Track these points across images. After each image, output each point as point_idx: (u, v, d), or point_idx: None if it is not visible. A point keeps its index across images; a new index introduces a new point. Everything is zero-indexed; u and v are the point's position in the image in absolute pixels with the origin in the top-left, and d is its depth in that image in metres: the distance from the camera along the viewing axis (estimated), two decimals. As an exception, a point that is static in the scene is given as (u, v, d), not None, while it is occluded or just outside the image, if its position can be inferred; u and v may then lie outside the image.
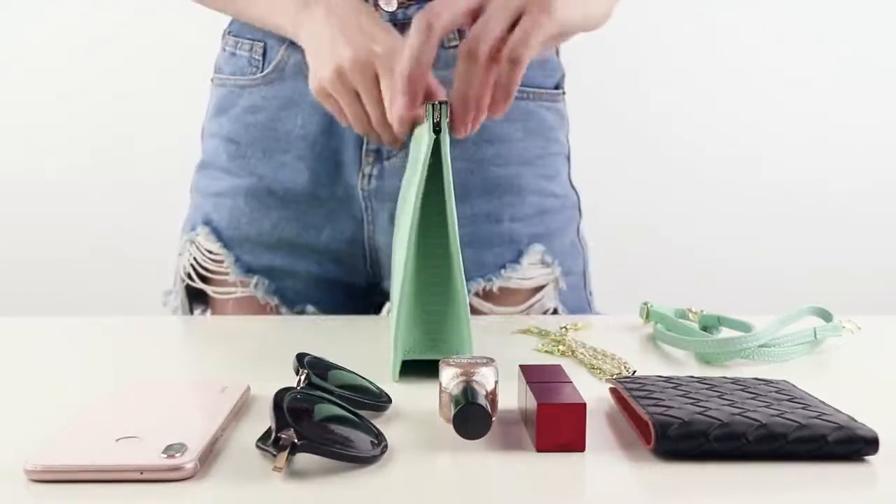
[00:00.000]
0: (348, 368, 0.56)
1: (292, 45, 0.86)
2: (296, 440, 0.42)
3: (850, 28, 2.07)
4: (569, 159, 0.97)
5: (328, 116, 0.86)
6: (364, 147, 0.87)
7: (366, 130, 0.78)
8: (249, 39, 0.90)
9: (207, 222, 0.93)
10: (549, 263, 0.90)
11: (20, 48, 1.96)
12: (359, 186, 0.88)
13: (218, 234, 0.92)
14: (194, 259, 0.93)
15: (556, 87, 0.94)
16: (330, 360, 0.56)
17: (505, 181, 0.89)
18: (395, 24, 0.84)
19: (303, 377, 0.51)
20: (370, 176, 0.88)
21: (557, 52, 0.95)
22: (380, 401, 0.54)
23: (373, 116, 0.76)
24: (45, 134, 1.98)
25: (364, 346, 0.70)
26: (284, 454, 0.42)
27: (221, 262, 0.91)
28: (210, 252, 0.92)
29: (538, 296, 0.89)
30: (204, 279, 0.93)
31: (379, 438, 0.47)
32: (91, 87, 1.95)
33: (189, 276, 0.93)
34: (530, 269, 0.89)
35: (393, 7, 0.84)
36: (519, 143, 0.90)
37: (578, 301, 0.94)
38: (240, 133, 0.91)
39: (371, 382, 0.56)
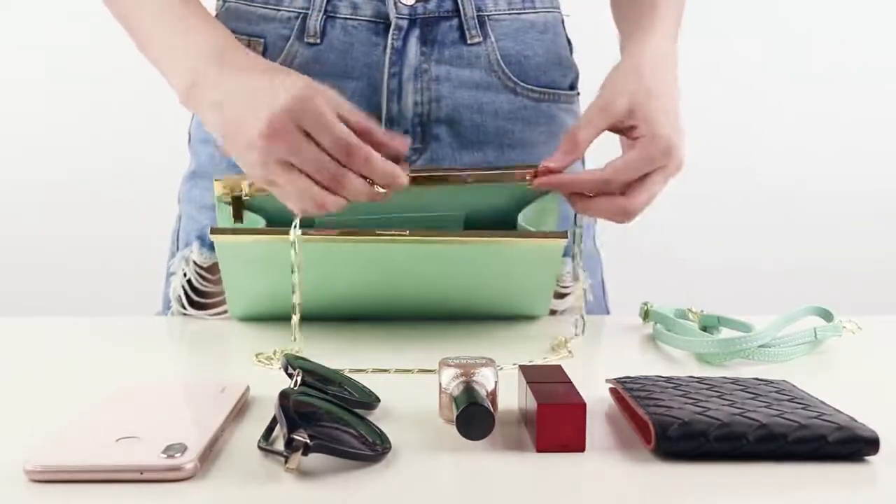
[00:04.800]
0: (331, 368, 0.57)
1: (298, 40, 0.82)
2: (308, 441, 0.42)
3: (850, 28, 2.07)
4: (584, 163, 0.95)
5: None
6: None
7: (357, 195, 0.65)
8: (245, 35, 0.83)
9: (203, 237, 0.86)
10: (581, 275, 0.88)
11: (18, 51, 1.96)
12: None
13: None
14: (188, 282, 0.85)
15: (572, 88, 0.91)
16: (314, 361, 0.56)
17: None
18: (412, 20, 0.81)
19: (298, 378, 0.51)
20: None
21: (571, 52, 0.92)
22: (369, 399, 0.54)
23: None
24: (45, 136, 1.98)
25: (359, 347, 0.70)
26: (298, 455, 0.42)
27: (220, 280, 0.83)
28: (207, 270, 0.85)
29: (565, 305, 0.87)
30: (199, 305, 0.85)
31: (382, 437, 0.47)
32: (89, 89, 1.95)
33: (182, 305, 0.85)
34: (563, 279, 0.86)
35: (412, 0, 0.81)
36: (541, 148, 0.87)
37: (600, 310, 0.93)
38: None
39: (357, 382, 0.56)
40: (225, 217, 0.74)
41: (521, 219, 0.76)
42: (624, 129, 0.73)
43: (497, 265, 0.70)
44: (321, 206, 0.65)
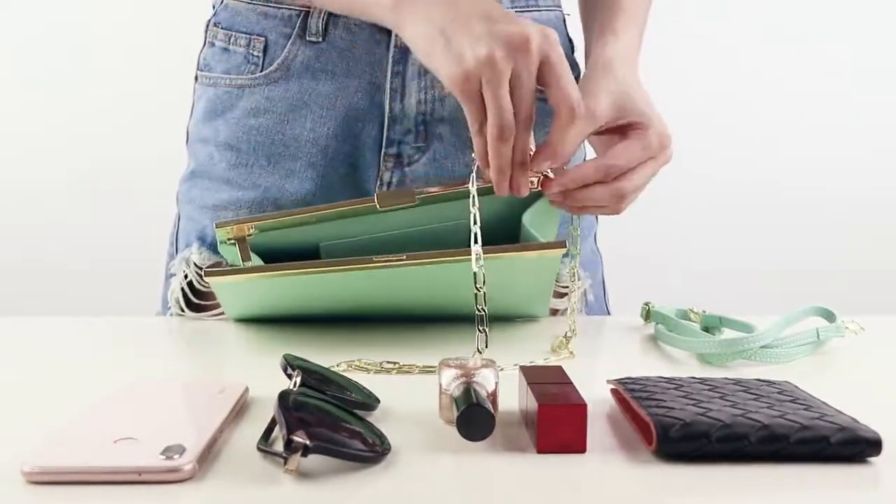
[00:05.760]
0: (331, 369, 0.56)
1: (299, 39, 0.81)
2: (308, 442, 0.41)
3: (849, 28, 2.07)
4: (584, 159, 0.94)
5: (342, 118, 0.81)
6: (383, 151, 0.82)
7: (503, 142, 0.63)
8: (246, 34, 0.83)
9: (202, 238, 0.86)
10: (579, 275, 0.88)
11: (17, 50, 1.96)
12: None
13: (217, 249, 0.84)
14: (189, 284, 0.84)
15: None
16: (313, 362, 0.56)
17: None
18: None
19: (298, 379, 0.51)
20: (389, 183, 0.83)
21: (572, 51, 0.92)
22: (368, 400, 0.54)
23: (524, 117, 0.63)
24: (45, 136, 1.98)
25: (359, 348, 0.70)
26: (297, 456, 0.41)
27: None
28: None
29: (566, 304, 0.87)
30: (198, 307, 0.84)
31: (381, 438, 0.46)
32: (88, 90, 1.95)
33: (181, 308, 0.84)
34: (562, 278, 0.87)
35: None
36: None
37: (600, 310, 0.92)
38: (240, 139, 0.83)
39: (356, 383, 0.56)
40: (230, 256, 0.75)
41: (526, 221, 0.76)
42: (614, 129, 0.73)
43: (496, 276, 0.71)
44: (499, 145, 0.63)
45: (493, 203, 0.74)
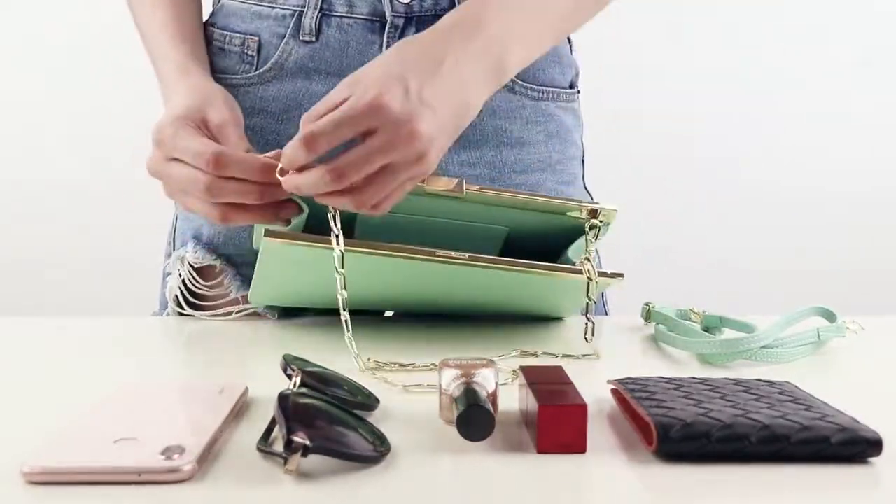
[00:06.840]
0: (332, 370, 0.56)
1: (293, 38, 0.81)
2: (308, 443, 0.41)
3: (851, 26, 2.07)
4: (583, 162, 0.94)
5: None
6: None
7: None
8: (240, 33, 0.84)
9: (198, 237, 0.85)
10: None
11: (18, 49, 1.96)
12: None
13: (214, 249, 0.85)
14: (183, 283, 0.84)
15: (571, 86, 0.90)
16: (313, 361, 0.56)
17: (526, 189, 0.86)
18: (409, 18, 0.81)
19: (298, 379, 0.51)
20: None
21: (571, 49, 0.91)
22: (368, 400, 0.54)
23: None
24: (44, 136, 1.98)
25: (359, 348, 0.70)
26: (297, 457, 0.41)
27: (218, 278, 0.84)
28: (200, 272, 0.84)
29: None
30: (195, 306, 0.84)
31: (381, 439, 0.46)
32: (87, 88, 1.95)
33: (179, 304, 0.84)
34: None
35: None
36: (540, 147, 0.87)
37: (599, 310, 0.92)
38: None
39: (357, 383, 0.56)
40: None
41: (572, 254, 0.75)
42: None
43: (540, 288, 0.72)
44: (220, 220, 0.68)
45: (539, 222, 0.74)
